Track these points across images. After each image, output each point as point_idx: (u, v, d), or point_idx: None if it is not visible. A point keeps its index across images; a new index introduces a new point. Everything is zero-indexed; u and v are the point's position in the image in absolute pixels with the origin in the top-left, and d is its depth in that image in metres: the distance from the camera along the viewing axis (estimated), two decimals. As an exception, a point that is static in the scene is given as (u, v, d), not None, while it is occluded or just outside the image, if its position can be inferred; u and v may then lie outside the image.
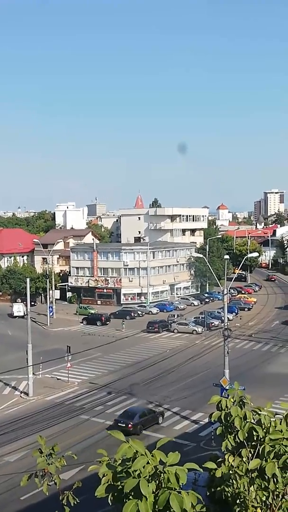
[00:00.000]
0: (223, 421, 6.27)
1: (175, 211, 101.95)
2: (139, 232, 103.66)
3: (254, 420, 6.19)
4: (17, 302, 79.83)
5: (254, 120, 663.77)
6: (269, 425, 6.03)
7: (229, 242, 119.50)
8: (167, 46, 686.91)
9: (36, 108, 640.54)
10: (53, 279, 77.74)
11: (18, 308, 75.03)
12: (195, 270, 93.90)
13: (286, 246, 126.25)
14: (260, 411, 6.26)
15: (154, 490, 4.26)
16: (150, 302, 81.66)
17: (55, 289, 79.31)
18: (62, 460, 5.49)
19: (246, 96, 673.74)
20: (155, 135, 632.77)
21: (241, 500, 5.81)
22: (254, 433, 5.92)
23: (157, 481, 4.34)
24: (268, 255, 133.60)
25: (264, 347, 55.89)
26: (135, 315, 74.17)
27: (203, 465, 5.76)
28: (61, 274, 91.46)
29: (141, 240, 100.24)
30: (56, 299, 79.63)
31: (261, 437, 5.87)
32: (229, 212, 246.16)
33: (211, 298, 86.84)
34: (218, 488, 6.13)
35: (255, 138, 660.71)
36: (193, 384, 41.50)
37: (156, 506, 4.19)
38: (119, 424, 31.82)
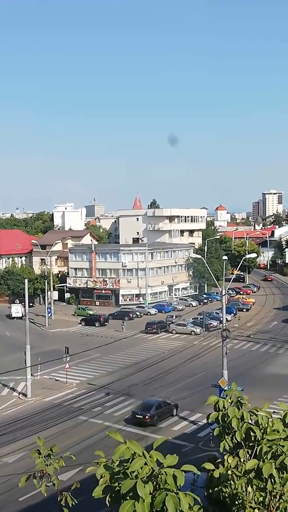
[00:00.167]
0: (221, 421, 6.29)
1: (174, 212, 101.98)
2: (138, 233, 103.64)
3: (251, 420, 6.21)
4: (15, 303, 79.89)
5: (253, 120, 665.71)
6: (266, 425, 6.05)
7: (227, 243, 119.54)
8: (167, 46, 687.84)
9: (36, 108, 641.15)
10: (51, 280, 77.69)
11: (16, 309, 75.05)
12: (193, 271, 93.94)
13: (284, 247, 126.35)
14: (258, 411, 6.28)
15: (151, 491, 4.28)
16: (148, 303, 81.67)
17: (54, 290, 79.29)
18: (61, 461, 5.50)
19: (246, 96, 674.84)
20: (154, 135, 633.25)
21: (239, 500, 5.83)
22: (252, 433, 5.94)
23: (154, 482, 4.36)
24: (266, 256, 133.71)
25: (262, 347, 55.91)
26: (134, 316, 74.14)
27: (201, 466, 5.78)
28: (59, 275, 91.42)
29: (140, 241, 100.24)
30: (54, 300, 79.58)
31: (259, 437, 5.89)
32: (227, 213, 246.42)
33: (210, 299, 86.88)
34: (216, 489, 6.15)
35: (253, 138, 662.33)
36: (192, 385, 41.50)
37: (153, 507, 4.21)
38: (136, 416, 33.39)
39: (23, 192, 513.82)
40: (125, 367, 48.09)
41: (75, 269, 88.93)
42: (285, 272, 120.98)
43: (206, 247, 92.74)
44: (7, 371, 38.41)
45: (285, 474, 5.49)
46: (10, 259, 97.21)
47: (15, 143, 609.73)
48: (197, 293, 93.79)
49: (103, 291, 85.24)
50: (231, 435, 6.12)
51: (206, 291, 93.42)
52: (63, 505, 5.34)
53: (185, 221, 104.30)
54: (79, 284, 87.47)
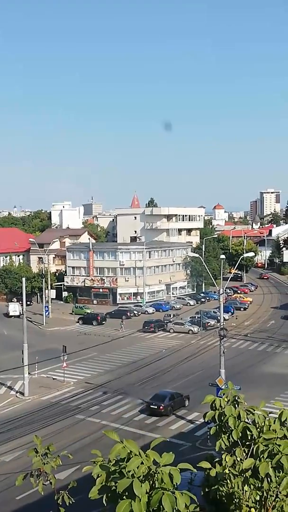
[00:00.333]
0: (217, 420, 6.29)
1: (171, 211, 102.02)
2: (135, 231, 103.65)
3: (248, 419, 6.21)
4: (13, 301, 79.82)
5: (252, 121, 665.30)
6: (263, 424, 6.05)
7: (225, 242, 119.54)
8: (166, 52, 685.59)
9: (36, 108, 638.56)
10: (49, 278, 77.62)
11: (14, 308, 74.99)
12: (191, 270, 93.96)
13: (282, 246, 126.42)
14: (254, 410, 6.28)
15: (148, 491, 4.28)
16: (146, 302, 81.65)
17: (51, 288, 79.29)
18: (58, 460, 5.50)
19: (245, 100, 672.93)
20: (153, 135, 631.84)
21: (235, 499, 5.84)
22: (248, 432, 5.95)
23: (151, 482, 4.36)
24: (264, 255, 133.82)
25: (260, 346, 56.00)
26: (131, 314, 74.14)
27: (197, 465, 5.79)
28: (57, 274, 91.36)
29: (137, 239, 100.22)
30: (52, 299, 79.59)
31: (255, 436, 5.89)
32: (225, 212, 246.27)
33: (207, 298, 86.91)
34: (213, 488, 6.16)
35: (252, 138, 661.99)
36: (189, 384, 41.51)
37: (150, 507, 4.22)
38: (151, 406, 34.85)
39: (21, 190, 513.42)
40: (123, 366, 48.10)
41: (73, 267, 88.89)
42: (283, 271, 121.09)
43: (203, 246, 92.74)
44: (4, 370, 38.43)
45: (281, 473, 5.49)
46: (8, 257, 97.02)
47: (14, 143, 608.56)
48: (194, 292, 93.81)
49: (101, 290, 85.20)
50: (227, 434, 6.13)
51: (203, 290, 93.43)
52: (60, 503, 5.34)
53: (183, 220, 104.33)
54: (77, 283, 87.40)
